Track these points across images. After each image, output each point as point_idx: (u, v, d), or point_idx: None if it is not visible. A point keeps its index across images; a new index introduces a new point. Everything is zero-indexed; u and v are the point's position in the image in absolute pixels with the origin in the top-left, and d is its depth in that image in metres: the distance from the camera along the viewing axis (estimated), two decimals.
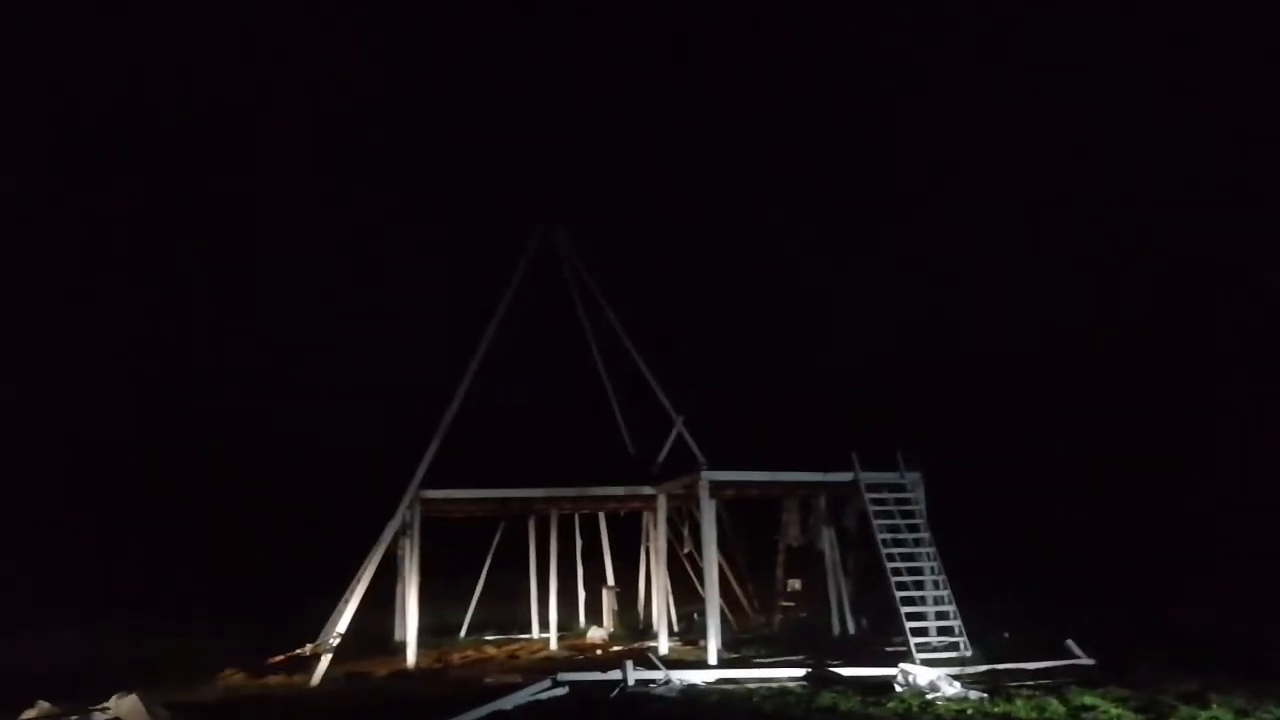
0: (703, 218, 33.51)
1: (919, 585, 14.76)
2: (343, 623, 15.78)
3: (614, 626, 20.08)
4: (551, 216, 21.21)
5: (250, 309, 28.77)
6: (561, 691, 11.80)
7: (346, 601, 16.00)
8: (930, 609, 14.53)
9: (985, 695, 10.62)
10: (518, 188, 28.84)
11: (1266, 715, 9.13)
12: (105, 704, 10.99)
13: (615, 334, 20.56)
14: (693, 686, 12.09)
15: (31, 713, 11.13)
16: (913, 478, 16.04)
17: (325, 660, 14.73)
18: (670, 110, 33.49)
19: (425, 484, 17.04)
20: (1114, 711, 9.52)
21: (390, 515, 16.85)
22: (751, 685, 12.02)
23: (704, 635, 15.16)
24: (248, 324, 28.46)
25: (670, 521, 18.82)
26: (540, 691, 11.69)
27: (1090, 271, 26.07)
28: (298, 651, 15.79)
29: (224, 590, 19.72)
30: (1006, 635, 15.29)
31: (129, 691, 10.79)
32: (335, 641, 15.30)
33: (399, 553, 17.62)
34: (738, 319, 31.38)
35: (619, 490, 18.17)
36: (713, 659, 14.57)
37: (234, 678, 14.21)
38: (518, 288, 19.73)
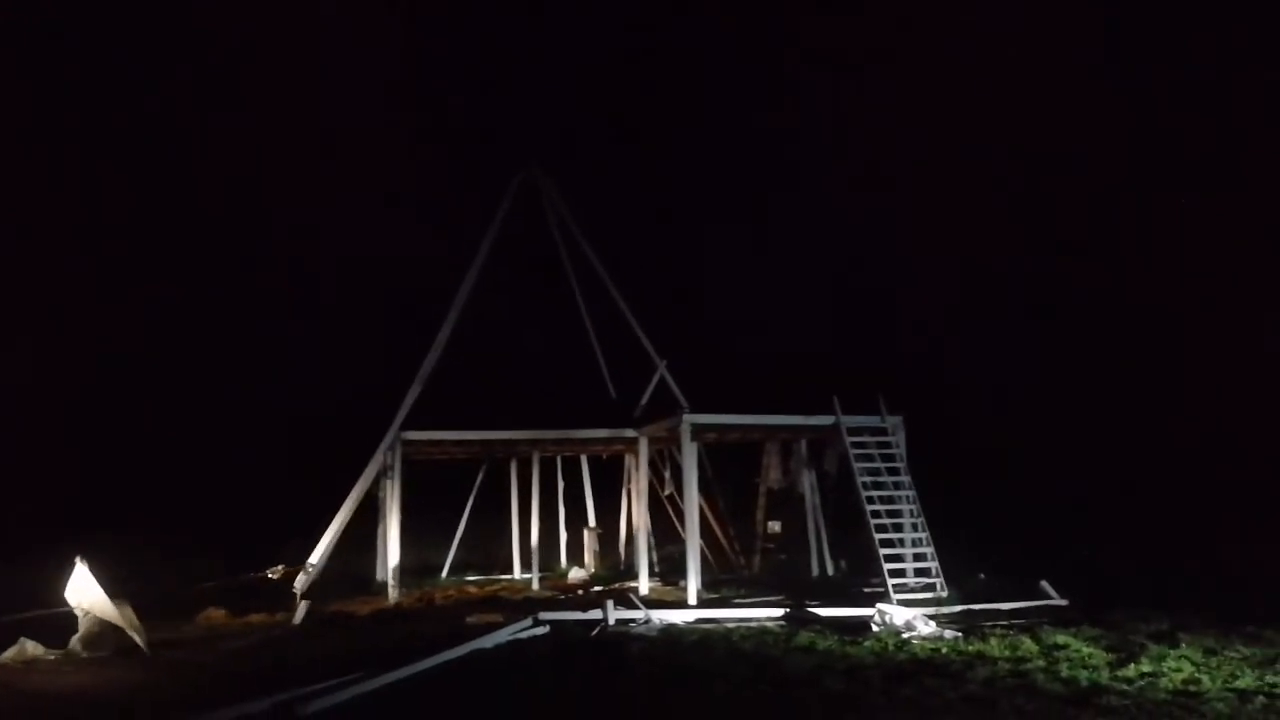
0: (686, 163, 33.16)
1: (898, 528, 14.89)
2: (317, 553, 15.89)
3: (595, 567, 20.26)
4: (534, 160, 20.96)
5: (232, 248, 28.36)
6: (542, 631, 11.90)
7: (324, 533, 16.11)
8: (908, 551, 14.68)
9: (960, 634, 10.78)
10: (501, 129, 28.45)
11: (1234, 654, 9.30)
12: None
13: (599, 279, 20.45)
14: (673, 626, 12.21)
15: (12, 652, 11.13)
16: (894, 421, 16.11)
17: (302, 582, 14.91)
18: (652, 47, 32.96)
19: (408, 425, 17.01)
20: (1085, 650, 9.68)
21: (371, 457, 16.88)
22: (731, 625, 12.17)
23: (684, 576, 15.31)
24: (232, 261, 28.10)
25: (652, 464, 18.90)
26: (521, 630, 11.78)
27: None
28: (269, 574, 15.92)
29: (204, 531, 19.69)
30: (982, 577, 15.50)
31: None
32: (310, 570, 15.43)
33: (380, 494, 17.65)
34: (722, 264, 31.21)
35: (602, 433, 18.22)
36: (692, 599, 14.72)
37: (215, 615, 14.26)
38: (500, 231, 19.59)
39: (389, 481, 17.15)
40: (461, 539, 20.74)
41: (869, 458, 15.53)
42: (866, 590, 14.72)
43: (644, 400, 18.73)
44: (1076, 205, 25.66)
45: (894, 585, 14.00)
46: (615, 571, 19.84)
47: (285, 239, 28.04)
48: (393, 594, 16.04)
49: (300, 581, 15.57)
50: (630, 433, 17.98)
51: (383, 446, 16.98)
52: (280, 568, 16.30)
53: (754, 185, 32.15)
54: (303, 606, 14.42)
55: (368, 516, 18.15)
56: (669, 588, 17.09)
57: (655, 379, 18.92)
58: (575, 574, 19.48)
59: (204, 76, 27.46)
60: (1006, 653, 9.79)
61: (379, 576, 17.89)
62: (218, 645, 12.17)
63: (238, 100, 28.20)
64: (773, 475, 18.92)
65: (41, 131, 25.15)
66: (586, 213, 21.29)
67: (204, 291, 27.54)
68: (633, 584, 17.02)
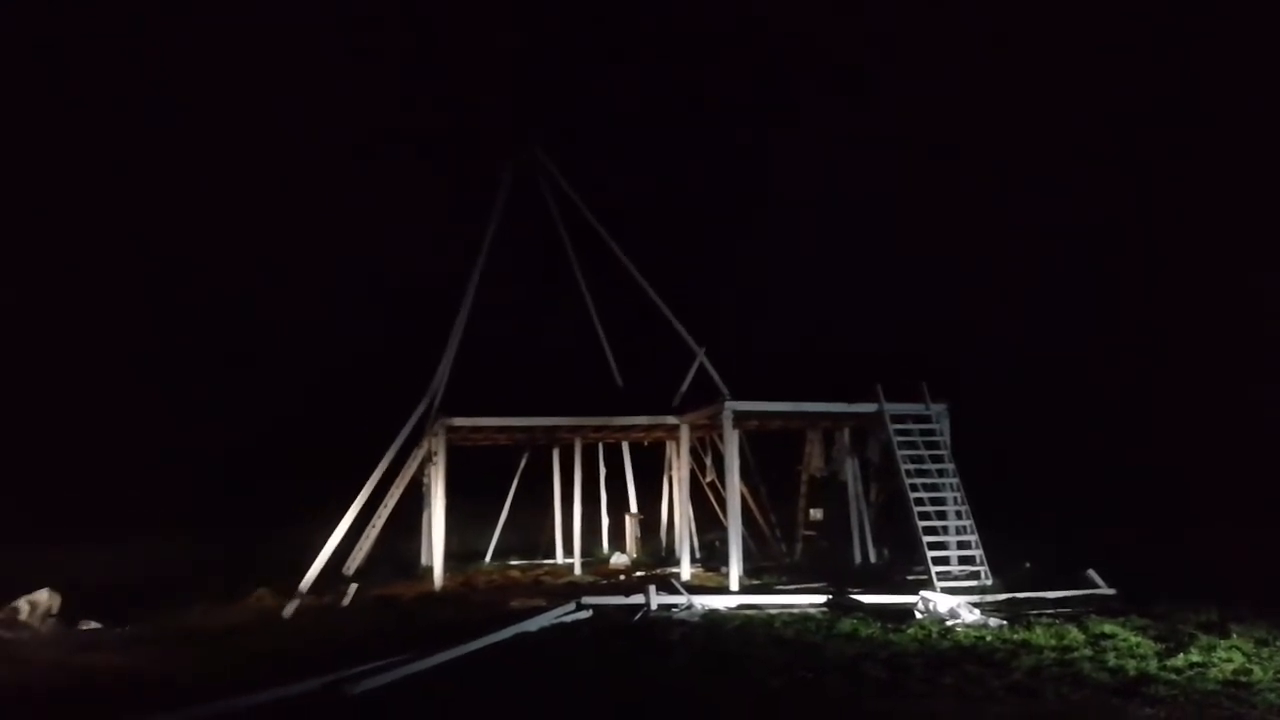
0: (720, 148, 32.99)
1: (941, 515, 14.78)
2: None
3: (637, 553, 20.34)
4: (532, 143, 20.77)
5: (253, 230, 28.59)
6: (585, 615, 12.01)
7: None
8: (952, 539, 14.57)
9: (1004, 623, 10.71)
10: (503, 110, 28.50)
11: None
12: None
13: (623, 266, 20.18)
14: (714, 612, 12.25)
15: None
16: (938, 409, 15.95)
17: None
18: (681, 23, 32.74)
19: (449, 411, 17.14)
20: (1133, 640, 9.57)
21: (408, 437, 17.11)
22: (773, 611, 12.17)
23: (726, 562, 15.34)
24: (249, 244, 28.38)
25: (694, 451, 18.90)
26: (565, 615, 11.89)
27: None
28: None
29: (244, 513, 20.03)
30: (1028, 565, 15.35)
31: None
32: None
33: (424, 479, 17.84)
34: (763, 251, 31.02)
35: (643, 420, 18.22)
36: (734, 585, 14.75)
37: (265, 599, 14.53)
38: (502, 215, 19.69)
39: (433, 467, 17.33)
40: (505, 524, 20.91)
41: (912, 445, 15.41)
42: (910, 578, 14.65)
43: (684, 388, 18.71)
44: (1120, 194, 25.39)
45: (938, 573, 13.90)
46: (657, 557, 19.90)
47: (302, 227, 28.31)
48: (438, 578, 16.24)
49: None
50: (672, 420, 17.99)
51: (427, 431, 17.20)
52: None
53: (793, 171, 31.94)
54: (351, 589, 14.67)
55: (413, 502, 18.38)
56: (711, 574, 17.13)
57: (695, 366, 18.84)
58: (617, 559, 19.58)
59: (201, 69, 27.79)
60: (1052, 642, 9.71)
61: (424, 561, 18.11)
62: (268, 627, 12.43)
63: (241, 93, 28.49)
64: (815, 463, 18.85)
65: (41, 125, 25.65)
66: (615, 200, 21.10)
67: (226, 283, 27.80)
68: (675, 570, 17.08)
